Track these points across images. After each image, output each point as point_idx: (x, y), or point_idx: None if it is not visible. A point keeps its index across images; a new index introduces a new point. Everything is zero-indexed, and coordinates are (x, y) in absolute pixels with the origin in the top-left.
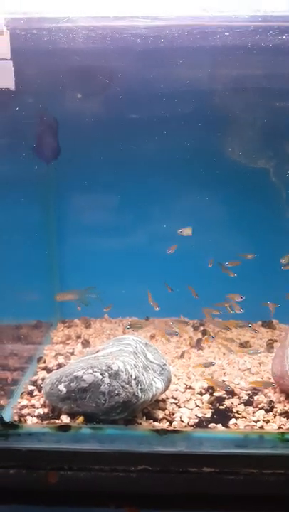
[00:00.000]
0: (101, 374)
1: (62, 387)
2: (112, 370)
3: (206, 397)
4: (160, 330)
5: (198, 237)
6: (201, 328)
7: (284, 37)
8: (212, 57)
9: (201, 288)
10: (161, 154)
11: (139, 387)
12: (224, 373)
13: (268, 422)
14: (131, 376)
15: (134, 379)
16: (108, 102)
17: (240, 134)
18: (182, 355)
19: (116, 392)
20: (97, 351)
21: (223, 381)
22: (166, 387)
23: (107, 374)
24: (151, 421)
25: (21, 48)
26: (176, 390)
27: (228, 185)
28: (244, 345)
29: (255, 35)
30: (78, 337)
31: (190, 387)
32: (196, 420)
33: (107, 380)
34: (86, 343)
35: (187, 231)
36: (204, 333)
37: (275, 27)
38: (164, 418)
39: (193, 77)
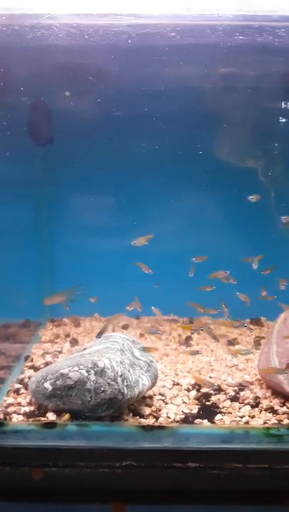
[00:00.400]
0: (87, 371)
1: (48, 385)
2: (97, 367)
3: (193, 393)
4: (144, 329)
5: (188, 237)
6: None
7: (269, 37)
8: (195, 55)
9: (191, 286)
10: (149, 154)
11: (125, 383)
12: (211, 370)
13: (253, 417)
14: (117, 373)
15: (120, 376)
16: (93, 99)
17: (225, 132)
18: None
19: (102, 389)
20: (84, 349)
21: (211, 377)
22: (153, 384)
23: (92, 371)
24: (138, 417)
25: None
26: (164, 387)
27: (216, 185)
28: (232, 342)
29: (238, 34)
30: (67, 336)
31: (177, 384)
32: (183, 416)
33: (92, 377)
34: (75, 342)
35: (141, 241)
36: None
37: (257, 26)
38: (150, 414)
39: (175, 76)
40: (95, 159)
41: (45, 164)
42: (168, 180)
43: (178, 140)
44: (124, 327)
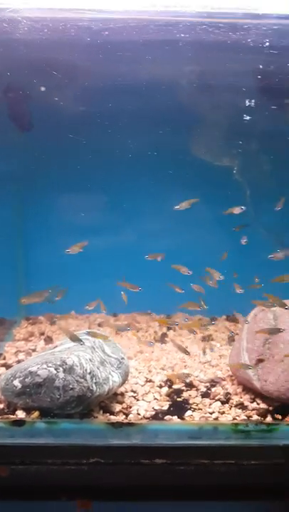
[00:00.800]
0: (55, 369)
1: (17, 383)
2: (66, 364)
3: (165, 389)
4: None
5: (166, 235)
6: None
7: (234, 34)
8: (159, 51)
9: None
10: (121, 150)
11: (94, 381)
12: (185, 366)
13: (223, 413)
14: (86, 370)
15: (89, 373)
16: (59, 94)
17: (189, 129)
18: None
19: (70, 386)
20: (55, 347)
21: (184, 374)
22: (124, 381)
23: (61, 369)
24: (108, 414)
25: None
26: (136, 384)
27: (189, 182)
28: (206, 338)
29: (202, 30)
30: (42, 334)
31: (150, 381)
32: (153, 413)
33: (61, 374)
34: (49, 340)
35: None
36: (169, 327)
37: (221, 24)
38: (120, 411)
39: (138, 71)
40: (69, 156)
41: (20, 162)
42: (143, 177)
43: (139, 136)
44: (100, 324)
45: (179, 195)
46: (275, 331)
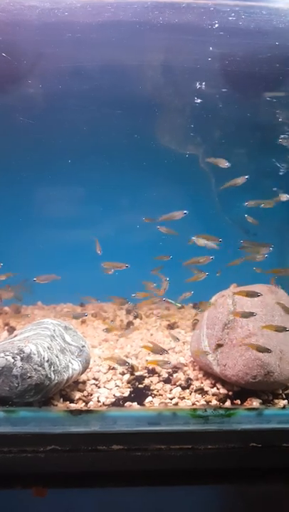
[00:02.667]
0: (13, 357)
1: None
2: (24, 353)
3: (127, 376)
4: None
5: (135, 225)
6: (134, 311)
7: (190, 15)
8: (112, 33)
9: (135, 271)
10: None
11: (53, 369)
12: (149, 353)
13: (183, 398)
14: (43, 358)
15: (47, 361)
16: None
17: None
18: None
19: (28, 374)
20: (15, 336)
21: (147, 360)
22: (85, 369)
23: (19, 357)
24: (68, 402)
25: None
26: (99, 371)
27: (149, 168)
28: (172, 326)
29: (158, 12)
30: (6, 324)
31: (113, 368)
32: (113, 400)
33: (19, 363)
34: (12, 330)
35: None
36: (136, 316)
37: (175, 5)
38: (80, 399)
39: (90, 54)
40: (26, 147)
41: None
42: (105, 167)
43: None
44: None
45: (146, 183)
46: (247, 314)
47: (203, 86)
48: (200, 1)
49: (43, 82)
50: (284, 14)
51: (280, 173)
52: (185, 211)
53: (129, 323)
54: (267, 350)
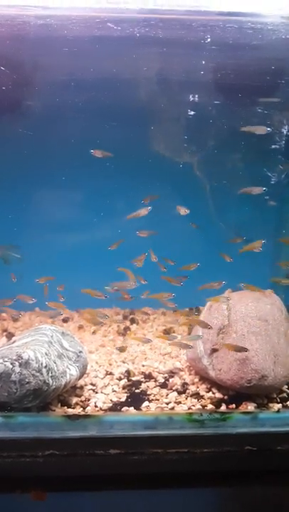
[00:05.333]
0: (11, 363)
1: None
2: (22, 359)
3: (124, 382)
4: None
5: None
6: (131, 317)
7: (180, 31)
8: (103, 47)
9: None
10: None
11: (50, 374)
12: (145, 358)
13: (179, 403)
14: (41, 364)
15: (45, 367)
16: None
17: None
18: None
19: (26, 380)
20: (13, 342)
21: (143, 365)
22: (82, 374)
23: (17, 363)
24: (66, 407)
25: None
26: (96, 377)
27: (138, 175)
28: (168, 331)
29: (151, 26)
30: (4, 330)
31: (110, 373)
32: (110, 405)
33: (17, 369)
34: (11, 336)
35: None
36: (132, 321)
37: (163, 20)
38: (77, 404)
39: (84, 67)
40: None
41: None
42: (84, 172)
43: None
44: (65, 320)
45: (141, 189)
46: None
47: (196, 98)
48: (192, 16)
49: (38, 94)
50: (274, 28)
51: (271, 182)
52: (149, 207)
53: (126, 329)
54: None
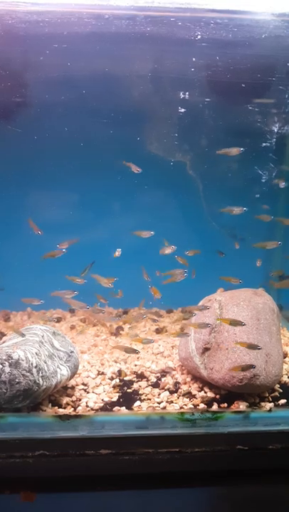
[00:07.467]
0: (1, 363)
1: None
2: (12, 359)
3: (116, 381)
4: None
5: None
6: (124, 316)
7: (174, 28)
8: (91, 44)
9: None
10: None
11: (41, 374)
12: (138, 358)
13: (171, 402)
14: (32, 364)
15: (35, 367)
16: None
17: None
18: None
19: (16, 380)
20: (3, 342)
21: (136, 365)
22: (73, 374)
23: (7, 363)
24: (56, 407)
25: None
26: (88, 377)
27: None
28: (160, 330)
29: (147, 23)
30: None
31: (102, 373)
32: (102, 404)
33: (7, 369)
34: (1, 336)
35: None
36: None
37: (158, 18)
38: (68, 404)
39: (73, 63)
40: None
41: None
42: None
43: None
44: (58, 320)
45: (133, 188)
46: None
47: (187, 96)
48: (183, 14)
49: (29, 91)
50: (265, 26)
51: (262, 180)
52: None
53: (119, 329)
54: (256, 347)
